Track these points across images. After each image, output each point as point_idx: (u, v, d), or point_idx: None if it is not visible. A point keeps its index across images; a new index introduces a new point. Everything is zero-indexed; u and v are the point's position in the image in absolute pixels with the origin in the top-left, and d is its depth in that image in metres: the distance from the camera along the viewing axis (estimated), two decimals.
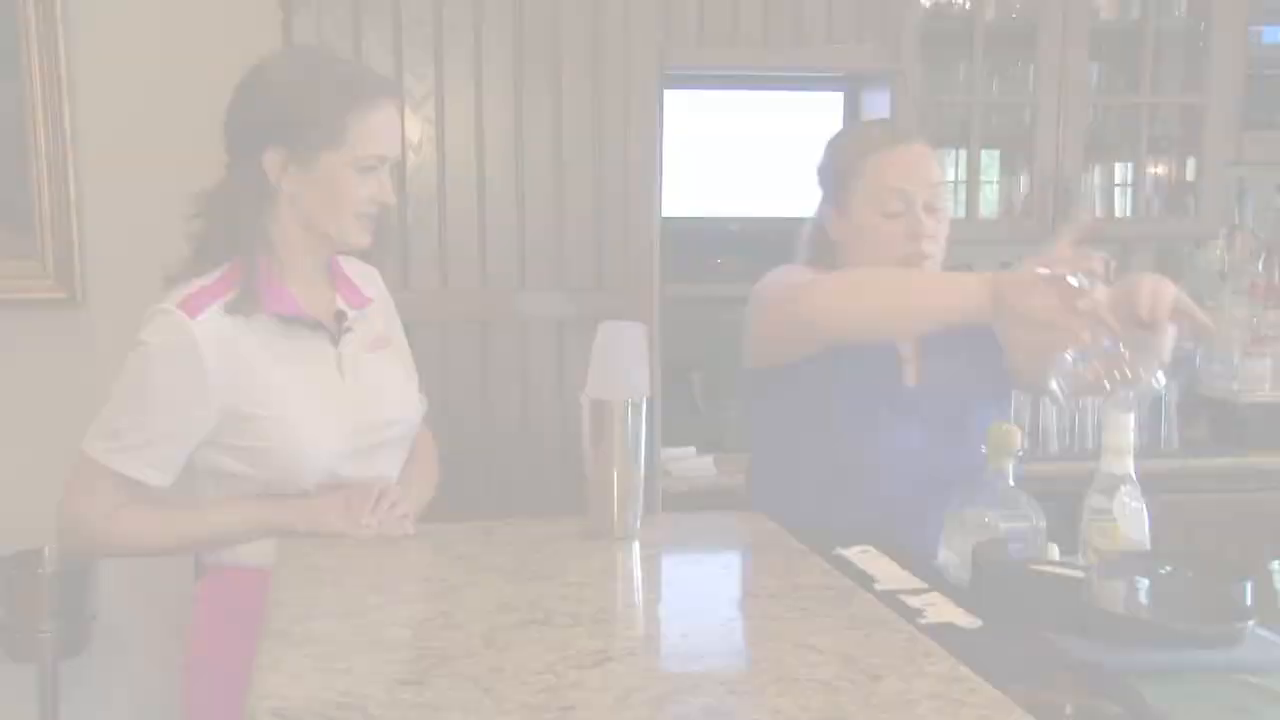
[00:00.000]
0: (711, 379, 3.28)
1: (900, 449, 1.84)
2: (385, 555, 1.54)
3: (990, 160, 3.37)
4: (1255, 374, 3.32)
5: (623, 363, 1.55)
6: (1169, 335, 1.63)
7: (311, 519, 1.63)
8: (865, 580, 1.45)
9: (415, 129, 2.29)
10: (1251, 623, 1.34)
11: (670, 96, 2.88)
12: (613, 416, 1.54)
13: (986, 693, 1.06)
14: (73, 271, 2.90)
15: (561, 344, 2.38)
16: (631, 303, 2.38)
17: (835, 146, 2.02)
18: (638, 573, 1.49)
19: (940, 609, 1.35)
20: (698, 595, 1.36)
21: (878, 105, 3.17)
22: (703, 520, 1.69)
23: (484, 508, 2.36)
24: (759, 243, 3.27)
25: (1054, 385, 1.57)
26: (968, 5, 3.23)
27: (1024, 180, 3.32)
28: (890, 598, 1.37)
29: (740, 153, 3.22)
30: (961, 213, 3.17)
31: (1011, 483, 1.57)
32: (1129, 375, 1.48)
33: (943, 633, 1.26)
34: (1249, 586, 1.37)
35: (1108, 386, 1.48)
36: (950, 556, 1.57)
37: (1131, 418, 1.55)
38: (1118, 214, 3.46)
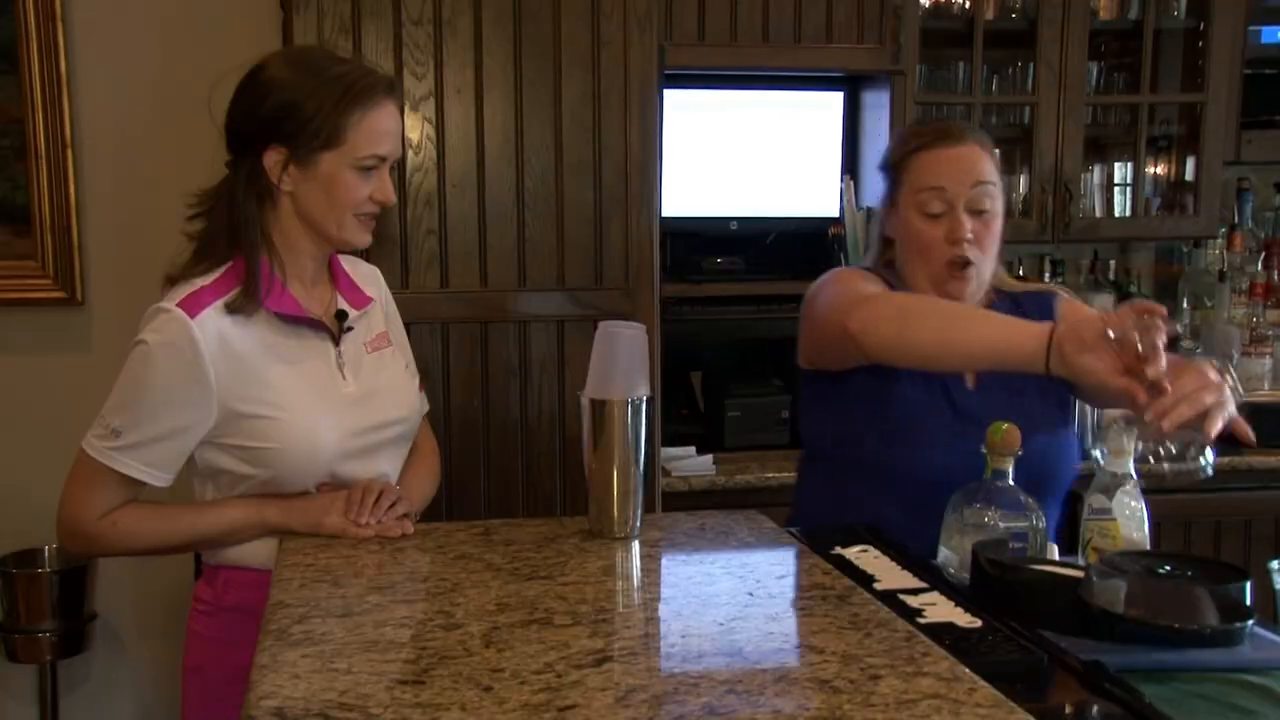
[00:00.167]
0: (711, 379, 3.29)
1: (957, 453, 1.72)
2: (385, 555, 1.54)
3: None
4: (1254, 374, 3.32)
5: (623, 363, 1.55)
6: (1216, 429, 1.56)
7: (311, 519, 1.64)
8: (865, 580, 1.45)
9: (415, 129, 2.29)
10: (1251, 623, 1.34)
11: (670, 96, 2.88)
12: (613, 416, 1.54)
13: (986, 693, 1.06)
14: (73, 271, 2.90)
15: (561, 344, 2.38)
16: (631, 303, 2.38)
17: (891, 142, 1.99)
18: (638, 572, 1.49)
19: (940, 609, 1.35)
20: (698, 595, 1.36)
21: (878, 105, 3.18)
22: (702, 520, 1.68)
23: (484, 508, 2.37)
24: (759, 243, 3.29)
25: (1096, 452, 1.55)
26: (968, 5, 3.23)
27: (1023, 180, 3.33)
28: (890, 597, 1.37)
29: (740, 153, 3.22)
30: None
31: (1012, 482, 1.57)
32: (1173, 452, 1.44)
33: (942, 632, 1.26)
34: (1249, 586, 1.37)
35: (1151, 461, 1.45)
36: (950, 556, 1.57)
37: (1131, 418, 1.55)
38: (1117, 214, 3.47)
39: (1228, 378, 1.54)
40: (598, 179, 2.37)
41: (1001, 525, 1.54)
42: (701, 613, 1.29)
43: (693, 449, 2.97)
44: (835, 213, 3.24)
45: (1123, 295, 3.44)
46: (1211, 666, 1.29)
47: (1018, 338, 1.56)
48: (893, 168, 1.90)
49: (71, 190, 2.88)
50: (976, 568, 1.45)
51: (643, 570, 1.50)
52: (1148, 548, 1.58)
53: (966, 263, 1.82)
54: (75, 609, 2.82)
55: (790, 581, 1.40)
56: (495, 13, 2.31)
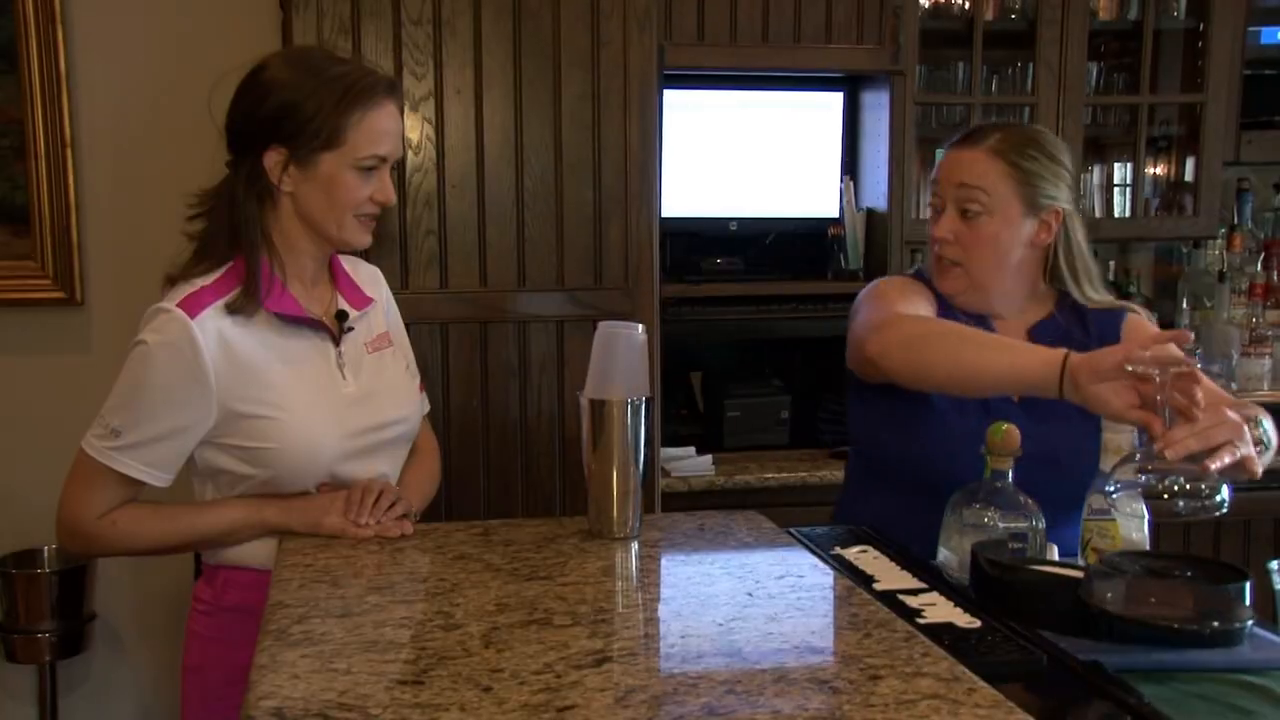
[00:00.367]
0: (711, 379, 3.29)
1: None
2: (384, 555, 1.54)
3: None
4: (1254, 374, 3.32)
5: (622, 363, 1.55)
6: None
7: (311, 519, 1.64)
8: (865, 580, 1.45)
9: (415, 129, 2.29)
10: (1251, 623, 1.34)
11: (670, 96, 2.88)
12: (612, 416, 1.54)
13: (986, 693, 1.06)
14: (73, 271, 2.90)
15: (561, 344, 2.38)
16: (631, 303, 2.38)
17: None
18: (637, 573, 1.49)
19: (939, 609, 1.35)
20: (697, 595, 1.36)
21: (877, 106, 3.18)
22: (702, 520, 1.69)
23: (483, 508, 2.37)
24: (758, 243, 3.29)
25: (1107, 489, 1.55)
26: (967, 5, 3.23)
27: None
28: (889, 598, 1.37)
29: (740, 153, 3.22)
30: None
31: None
32: (1187, 488, 1.43)
33: (942, 633, 1.26)
34: (1248, 586, 1.37)
35: (1166, 497, 1.44)
36: (950, 557, 1.57)
37: None
38: (1116, 214, 3.47)
39: (1259, 429, 1.55)
40: (597, 179, 2.37)
41: (1001, 526, 1.54)
42: (701, 613, 1.29)
43: (692, 449, 2.97)
44: (835, 213, 3.25)
45: (1123, 295, 3.44)
46: (1211, 666, 1.29)
47: (1029, 365, 1.57)
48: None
49: (71, 190, 2.88)
50: (976, 568, 1.45)
51: (642, 570, 1.50)
52: (1147, 548, 1.58)
53: (946, 261, 1.84)
54: (74, 609, 2.82)
55: (789, 582, 1.40)
56: (495, 12, 2.31)
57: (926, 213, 3.42)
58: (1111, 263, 3.55)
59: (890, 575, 1.48)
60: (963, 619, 1.32)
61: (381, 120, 1.66)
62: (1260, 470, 1.49)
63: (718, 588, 1.38)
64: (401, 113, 1.77)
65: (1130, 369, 1.44)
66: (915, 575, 1.48)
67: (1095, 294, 1.90)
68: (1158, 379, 1.42)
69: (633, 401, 1.54)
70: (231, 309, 1.62)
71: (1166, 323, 3.17)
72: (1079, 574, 1.42)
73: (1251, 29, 3.34)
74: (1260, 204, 3.59)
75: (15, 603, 2.79)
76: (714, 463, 2.95)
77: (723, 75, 3.14)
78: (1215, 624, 1.33)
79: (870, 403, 1.91)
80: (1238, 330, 3.37)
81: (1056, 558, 1.57)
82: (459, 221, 2.33)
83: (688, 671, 1.12)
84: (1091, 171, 3.41)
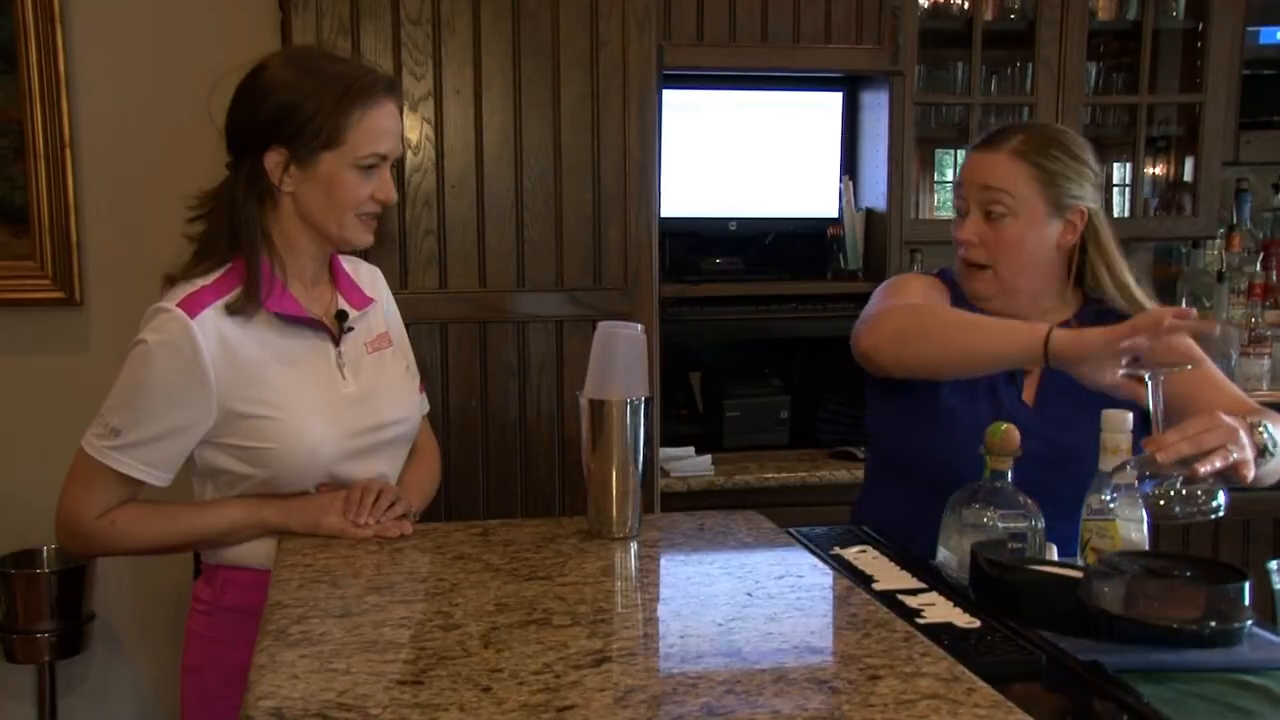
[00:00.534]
0: (710, 379, 3.29)
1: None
2: (384, 556, 1.54)
3: None
4: (1253, 374, 3.32)
5: (622, 363, 1.55)
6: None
7: (310, 519, 1.64)
8: (864, 580, 1.45)
9: (414, 129, 2.29)
10: (1250, 623, 1.34)
11: (669, 97, 2.88)
12: (612, 416, 1.54)
13: (985, 693, 1.06)
14: (72, 271, 2.90)
15: (560, 344, 2.38)
16: (631, 303, 2.38)
17: None
18: (636, 573, 1.50)
19: (939, 609, 1.35)
20: (696, 595, 1.36)
21: (876, 106, 3.18)
22: (701, 520, 1.69)
23: (483, 508, 2.37)
24: (758, 243, 3.29)
25: (1105, 496, 1.56)
26: (966, 6, 3.23)
27: None
28: (889, 598, 1.38)
29: (739, 153, 3.22)
30: None
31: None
32: (1183, 494, 1.44)
33: (941, 633, 1.26)
34: (1247, 586, 1.37)
35: (1161, 503, 1.45)
36: (949, 557, 1.57)
37: (1129, 418, 1.55)
38: (1116, 214, 3.47)
39: (1259, 434, 1.55)
40: (596, 179, 2.37)
41: (1000, 525, 1.54)
42: (700, 613, 1.29)
43: (691, 449, 2.97)
44: (834, 213, 3.24)
45: None
46: (1210, 666, 1.29)
47: (1011, 342, 1.63)
48: None
49: (70, 190, 2.88)
50: (975, 568, 1.45)
51: (641, 570, 1.50)
52: (1146, 548, 1.58)
53: (972, 265, 1.84)
54: (74, 609, 2.82)
55: (789, 582, 1.40)
56: (494, 13, 2.31)
57: (926, 213, 3.44)
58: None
59: (889, 575, 1.48)
60: (962, 619, 1.32)
61: (381, 119, 1.66)
62: (1251, 475, 1.50)
63: (717, 588, 1.38)
64: (401, 111, 1.77)
65: (1123, 374, 1.48)
66: (914, 575, 1.48)
67: (1136, 290, 1.88)
68: (1149, 381, 1.46)
69: (632, 401, 1.54)
70: (231, 309, 1.62)
71: None
72: (1078, 574, 1.42)
73: (1250, 29, 3.34)
74: (1259, 204, 3.59)
75: (14, 603, 2.78)
76: (713, 463, 2.95)
77: (722, 75, 3.14)
78: (1214, 624, 1.33)
79: (881, 398, 1.92)
80: (1237, 330, 3.37)
81: (1056, 558, 1.57)
82: (458, 221, 2.33)
83: (687, 671, 1.12)
84: None
